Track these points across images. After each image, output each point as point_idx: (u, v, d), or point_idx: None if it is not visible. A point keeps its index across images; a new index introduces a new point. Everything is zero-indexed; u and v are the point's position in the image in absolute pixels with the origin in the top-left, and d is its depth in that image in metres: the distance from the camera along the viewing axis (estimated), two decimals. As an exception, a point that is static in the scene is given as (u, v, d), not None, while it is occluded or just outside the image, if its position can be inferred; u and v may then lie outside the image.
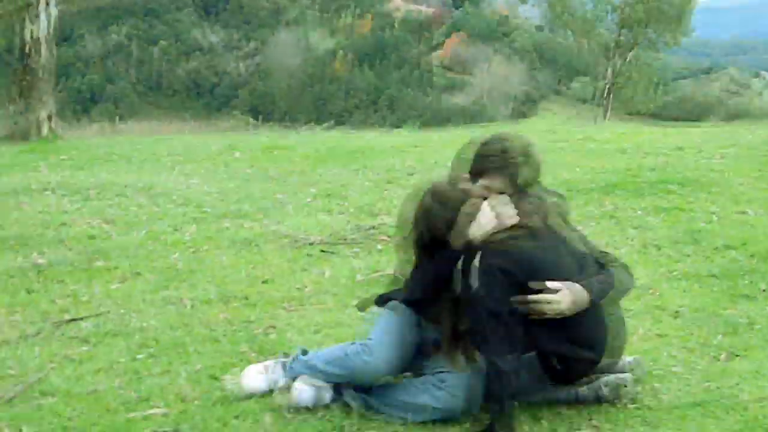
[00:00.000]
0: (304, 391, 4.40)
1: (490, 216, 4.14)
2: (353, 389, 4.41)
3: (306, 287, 6.09)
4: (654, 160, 11.19)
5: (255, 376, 4.57)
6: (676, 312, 5.72)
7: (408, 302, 4.38)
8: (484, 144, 4.33)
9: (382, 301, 4.60)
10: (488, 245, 4.06)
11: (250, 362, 4.84)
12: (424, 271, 4.21)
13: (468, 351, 4.29)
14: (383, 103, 76.12)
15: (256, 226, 7.64)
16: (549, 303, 4.02)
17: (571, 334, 4.12)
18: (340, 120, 59.42)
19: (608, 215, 8.46)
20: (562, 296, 4.01)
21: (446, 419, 4.23)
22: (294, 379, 4.51)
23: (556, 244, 4.12)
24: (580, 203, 8.90)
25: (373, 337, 4.38)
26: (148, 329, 5.33)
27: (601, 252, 4.35)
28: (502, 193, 4.19)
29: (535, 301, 4.02)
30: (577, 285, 4.04)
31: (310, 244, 7.12)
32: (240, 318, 5.51)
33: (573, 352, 4.15)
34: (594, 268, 4.18)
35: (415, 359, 4.53)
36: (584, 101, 68.77)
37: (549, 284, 4.03)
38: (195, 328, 5.36)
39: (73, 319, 5.49)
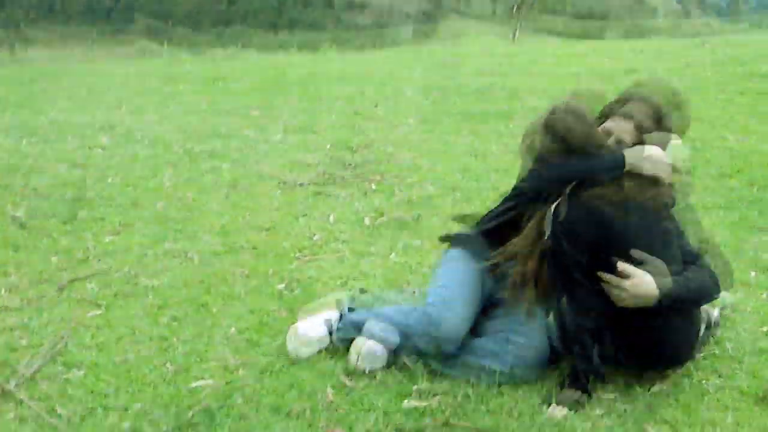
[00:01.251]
0: (358, 352, 4.07)
1: (661, 155, 3.84)
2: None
3: (314, 235, 5.74)
4: (612, 85, 10.96)
5: (305, 337, 4.25)
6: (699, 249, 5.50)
7: (486, 231, 4.12)
8: (635, 85, 4.04)
9: (451, 239, 4.27)
10: (578, 196, 3.76)
11: (281, 321, 4.50)
12: (557, 166, 3.78)
13: (539, 296, 3.99)
14: (283, 24, 74.80)
15: (236, 168, 7.24)
16: (615, 286, 3.73)
17: (622, 330, 3.84)
18: (246, 43, 58.25)
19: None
20: (629, 284, 3.70)
21: (516, 382, 3.93)
22: (341, 340, 4.17)
23: (652, 226, 3.78)
24: None
25: (438, 301, 4.08)
26: (161, 289, 4.95)
27: (689, 250, 3.96)
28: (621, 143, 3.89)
29: (601, 279, 3.74)
30: (649, 277, 3.70)
31: (300, 185, 6.74)
32: (256, 272, 5.16)
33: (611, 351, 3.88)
34: (678, 267, 3.85)
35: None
36: (487, 18, 68.43)
37: (621, 266, 3.72)
38: (211, 285, 5.00)
39: (76, 279, 5.05)
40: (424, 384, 3.95)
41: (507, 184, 6.81)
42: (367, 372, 4.06)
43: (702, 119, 9.09)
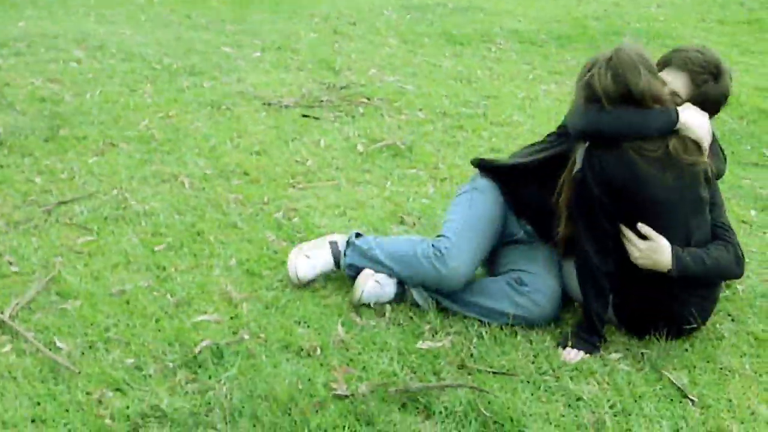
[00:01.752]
0: (362, 286, 3.95)
1: (708, 123, 3.73)
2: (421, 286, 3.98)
3: (307, 160, 5.59)
4: (590, 8, 10.83)
5: (303, 264, 4.14)
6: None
7: (523, 165, 4.00)
8: (682, 46, 3.89)
9: (484, 166, 4.16)
10: (619, 142, 3.62)
11: (281, 252, 4.37)
12: (612, 116, 3.61)
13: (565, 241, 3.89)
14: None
15: (217, 86, 7.02)
16: (632, 244, 3.64)
17: (630, 289, 3.77)
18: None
19: (577, 71, 8.04)
20: (645, 246, 3.62)
21: (528, 325, 3.83)
22: (349, 266, 4.08)
23: (684, 190, 3.66)
24: (540, 58, 8.55)
25: (450, 235, 3.94)
26: (153, 214, 4.78)
27: (722, 225, 3.85)
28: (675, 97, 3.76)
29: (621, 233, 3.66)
30: (666, 244, 3.61)
31: (286, 106, 6.55)
32: (250, 198, 5.00)
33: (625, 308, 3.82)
34: (703, 237, 3.75)
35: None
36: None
37: (641, 227, 3.63)
38: (206, 211, 4.84)
39: (63, 202, 4.86)
40: (436, 322, 3.85)
41: (497, 112, 6.71)
42: (372, 306, 3.92)
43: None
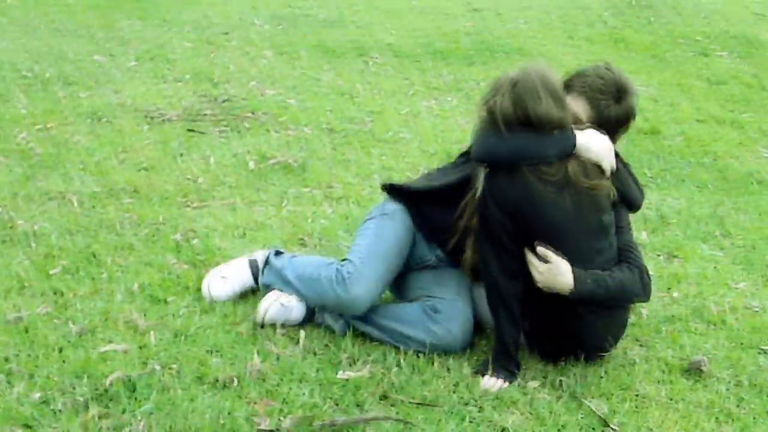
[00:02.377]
0: (266, 308, 3.87)
1: (610, 146, 3.74)
2: None
3: (198, 178, 5.44)
4: (459, 23, 10.89)
5: (218, 285, 4.09)
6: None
7: (433, 189, 3.97)
8: (587, 66, 3.93)
9: (394, 190, 4.12)
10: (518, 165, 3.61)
11: (185, 276, 4.24)
12: (510, 141, 3.62)
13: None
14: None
15: (95, 97, 6.79)
16: (532, 266, 3.66)
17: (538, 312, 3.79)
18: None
19: (454, 88, 8.12)
20: (544, 269, 3.63)
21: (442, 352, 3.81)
22: (265, 286, 4.07)
23: (585, 214, 3.68)
24: (417, 72, 8.56)
25: (355, 259, 3.88)
26: (43, 235, 4.58)
27: (627, 247, 3.89)
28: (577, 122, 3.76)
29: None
30: (567, 266, 3.62)
31: (168, 120, 6.38)
32: (144, 218, 4.84)
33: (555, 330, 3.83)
34: (607, 262, 3.76)
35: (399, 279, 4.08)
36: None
37: (541, 249, 3.63)
38: (99, 232, 4.66)
39: (-58, 222, 4.60)
40: (353, 350, 3.79)
41: (383, 129, 6.67)
42: (281, 330, 3.82)
43: (553, 65, 9.11)
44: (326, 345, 3.84)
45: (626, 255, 3.85)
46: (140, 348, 3.70)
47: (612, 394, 3.69)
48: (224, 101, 6.92)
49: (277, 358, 3.71)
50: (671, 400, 3.70)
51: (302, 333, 3.88)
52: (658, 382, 3.81)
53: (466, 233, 3.88)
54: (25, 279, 4.15)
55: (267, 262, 4.15)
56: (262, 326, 3.87)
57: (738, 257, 5.11)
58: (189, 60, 8.20)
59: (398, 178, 5.65)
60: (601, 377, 3.81)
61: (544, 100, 3.56)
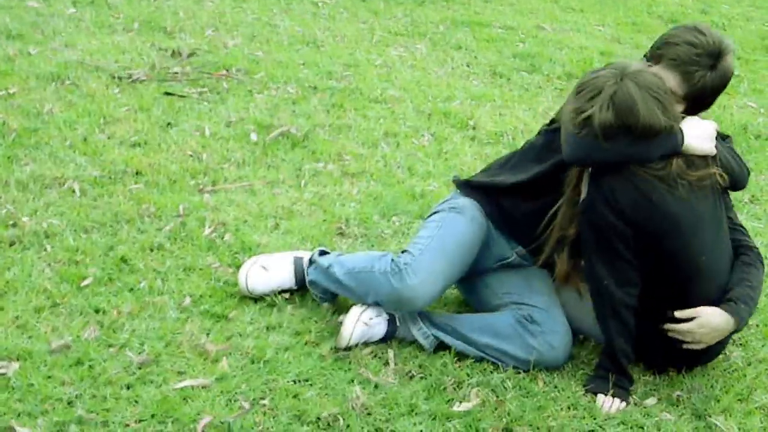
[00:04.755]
0: (351, 331, 3.49)
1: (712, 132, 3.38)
2: (421, 321, 3.53)
3: (201, 154, 4.94)
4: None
5: (258, 275, 3.74)
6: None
7: (509, 184, 3.63)
8: (674, 29, 3.46)
9: (465, 185, 3.77)
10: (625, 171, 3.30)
11: (233, 282, 3.82)
12: (613, 149, 3.28)
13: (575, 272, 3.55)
14: None
15: (47, 53, 6.14)
16: (685, 333, 3.42)
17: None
18: None
19: (416, 32, 7.72)
20: (695, 325, 3.39)
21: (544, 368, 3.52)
22: (311, 284, 3.72)
23: (701, 208, 3.40)
24: (371, 15, 8.24)
25: (414, 250, 3.54)
26: (56, 235, 4.07)
27: (739, 227, 3.64)
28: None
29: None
30: (710, 310, 3.39)
31: (139, 81, 5.80)
32: (162, 209, 4.36)
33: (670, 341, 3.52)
34: (728, 253, 3.53)
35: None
36: None
37: (679, 313, 3.39)
38: (118, 229, 4.18)
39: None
40: (454, 370, 3.45)
41: (368, 86, 6.22)
42: (360, 345, 3.51)
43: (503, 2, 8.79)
44: (420, 366, 3.46)
45: (738, 236, 3.61)
46: (219, 380, 3.27)
47: (733, 408, 3.44)
48: (189, 56, 6.34)
49: (375, 387, 3.32)
50: (793, 409, 3.45)
51: (390, 353, 3.51)
52: (768, 387, 3.56)
53: (558, 243, 3.53)
54: (56, 294, 3.65)
55: (312, 260, 3.77)
56: (351, 347, 3.45)
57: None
58: (131, 3, 7.53)
59: (404, 146, 5.29)
60: (712, 387, 3.53)
61: (647, 110, 3.22)
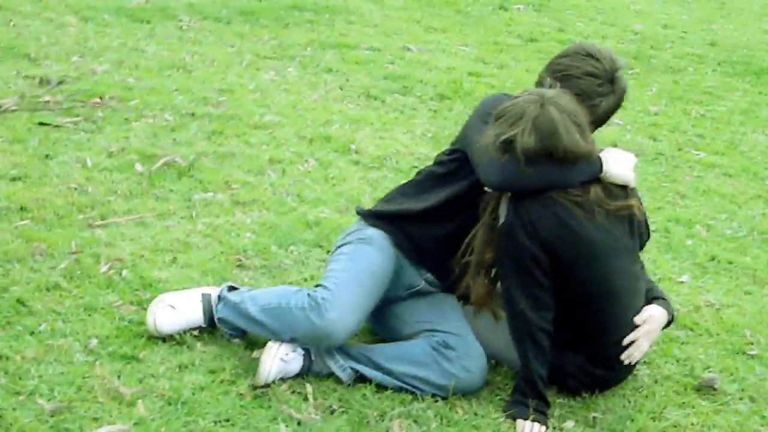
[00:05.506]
0: (268, 369, 3.45)
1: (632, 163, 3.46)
2: (337, 353, 3.51)
3: (86, 187, 4.79)
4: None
5: (166, 315, 3.63)
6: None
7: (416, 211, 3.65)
8: (568, 57, 3.51)
9: (370, 216, 3.78)
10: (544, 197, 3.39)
11: (138, 321, 3.72)
12: (533, 175, 3.35)
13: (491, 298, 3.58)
14: None
15: None
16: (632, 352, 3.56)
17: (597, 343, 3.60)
18: None
19: (285, 55, 7.67)
20: (644, 331, 3.56)
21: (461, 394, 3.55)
22: (220, 321, 3.65)
23: (618, 236, 3.52)
24: (236, 38, 8.13)
25: (329, 284, 3.51)
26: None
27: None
28: None
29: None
30: (655, 307, 3.59)
31: (9, 110, 5.62)
32: (54, 246, 4.21)
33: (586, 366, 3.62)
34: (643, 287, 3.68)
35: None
36: None
37: (637, 319, 3.57)
38: (9, 269, 4.02)
39: None
40: (374, 402, 3.42)
41: (245, 111, 6.15)
42: (277, 381, 3.47)
43: (369, 24, 8.83)
44: (341, 399, 3.44)
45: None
46: (137, 425, 3.18)
47: (648, 428, 3.54)
48: (59, 83, 6.15)
49: (299, 424, 3.28)
50: (703, 426, 3.57)
51: (309, 387, 3.47)
52: (680, 406, 3.70)
53: (476, 267, 3.56)
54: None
55: (221, 297, 3.69)
56: (270, 385, 3.40)
57: (661, 245, 5.02)
58: (-12, 30, 7.26)
59: (290, 172, 5.27)
60: (625, 407, 3.62)
61: (569, 135, 3.31)
